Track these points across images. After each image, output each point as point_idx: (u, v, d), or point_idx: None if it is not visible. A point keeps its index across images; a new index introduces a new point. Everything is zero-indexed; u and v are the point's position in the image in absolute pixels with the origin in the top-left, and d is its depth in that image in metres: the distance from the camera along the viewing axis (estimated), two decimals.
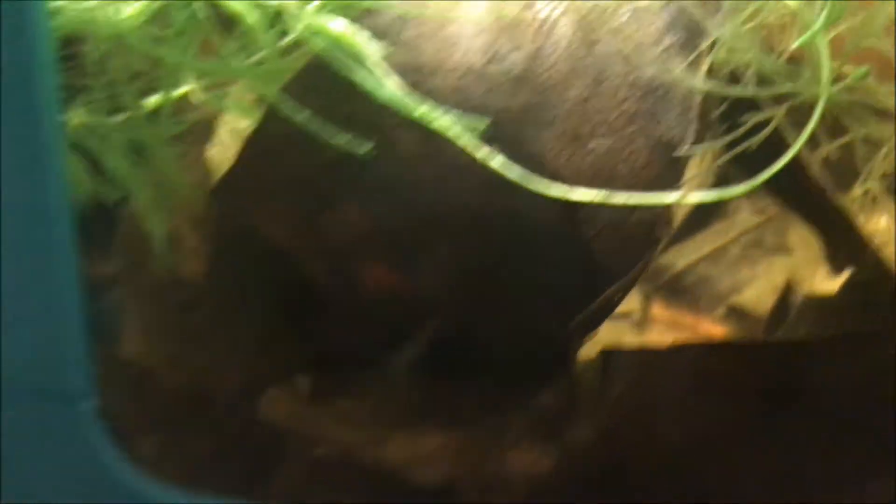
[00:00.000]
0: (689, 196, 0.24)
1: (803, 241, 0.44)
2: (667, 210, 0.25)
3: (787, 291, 0.38)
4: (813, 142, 0.27)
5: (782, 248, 0.43)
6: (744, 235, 0.42)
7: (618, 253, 0.26)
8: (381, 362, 0.35)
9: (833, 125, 0.27)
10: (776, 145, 0.28)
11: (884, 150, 0.29)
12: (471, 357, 0.32)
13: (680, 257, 0.43)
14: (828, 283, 0.35)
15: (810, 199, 0.29)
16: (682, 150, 0.25)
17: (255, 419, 0.34)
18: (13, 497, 0.31)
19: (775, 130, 0.27)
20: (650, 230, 0.26)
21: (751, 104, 0.26)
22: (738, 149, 0.24)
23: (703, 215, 0.44)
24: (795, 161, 0.29)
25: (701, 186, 0.25)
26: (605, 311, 0.28)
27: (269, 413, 0.34)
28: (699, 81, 0.25)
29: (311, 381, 0.35)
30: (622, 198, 0.25)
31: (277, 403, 0.34)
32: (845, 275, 0.33)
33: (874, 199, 0.32)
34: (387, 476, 0.32)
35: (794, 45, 0.23)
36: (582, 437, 0.29)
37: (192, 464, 0.35)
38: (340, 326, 0.34)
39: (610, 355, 0.27)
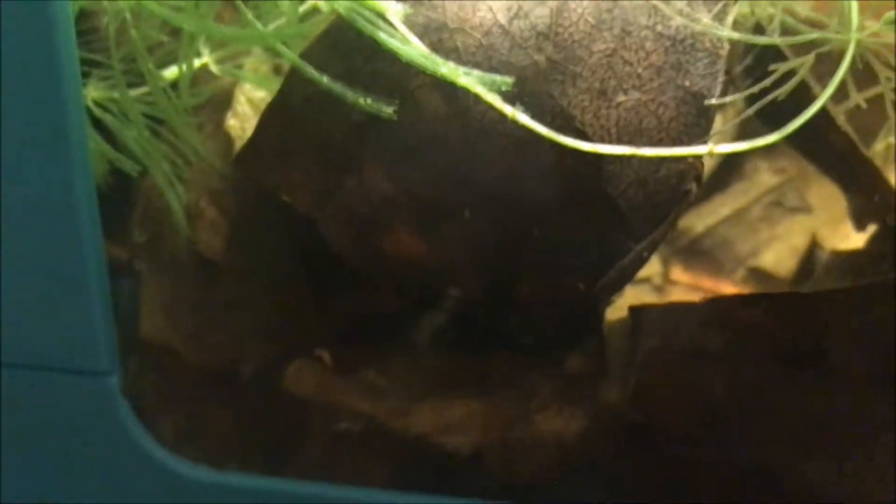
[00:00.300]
0: (717, 148, 0.24)
1: (824, 199, 0.44)
2: (696, 163, 0.25)
3: (810, 252, 0.38)
4: (840, 93, 0.27)
5: (803, 208, 0.43)
6: (764, 196, 0.42)
7: (645, 209, 0.26)
8: (407, 331, 0.35)
9: (861, 76, 0.27)
10: (803, 97, 0.28)
11: None
12: (497, 322, 0.32)
13: (699, 220, 0.43)
14: (851, 239, 0.35)
15: (837, 153, 0.29)
16: (711, 102, 0.25)
17: (280, 393, 0.34)
18: (47, 468, 0.31)
19: (801, 82, 0.27)
20: (679, 184, 0.26)
21: (778, 54, 0.26)
22: (767, 99, 0.24)
23: (723, 176, 0.44)
24: (822, 113, 0.29)
25: (728, 140, 0.25)
26: (633, 268, 0.28)
27: (294, 386, 0.34)
28: (726, 31, 0.25)
29: (337, 352, 0.35)
30: (650, 152, 0.25)
31: (303, 376, 0.34)
32: (871, 231, 0.33)
33: None
34: (414, 445, 0.32)
35: None
36: (612, 398, 0.29)
37: (215, 440, 0.35)
38: (366, 296, 0.33)
39: (640, 313, 0.27)
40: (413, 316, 0.34)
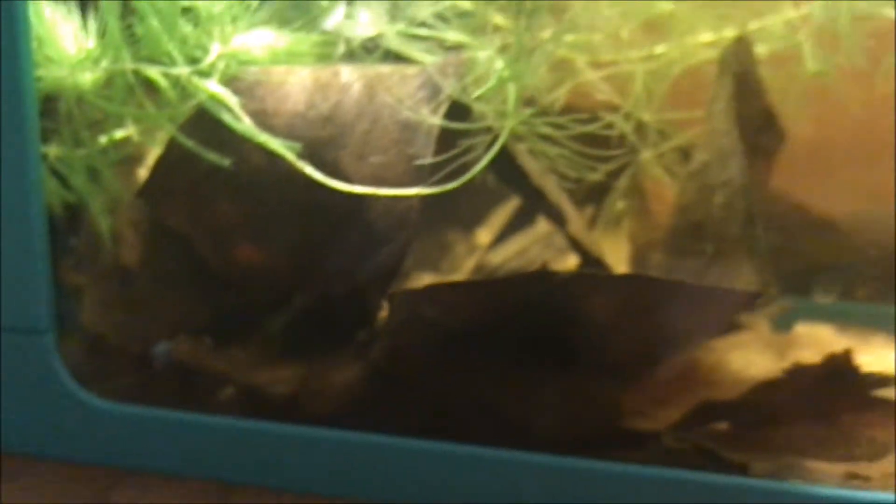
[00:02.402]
0: (422, 191, 0.38)
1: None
2: (416, 201, 0.39)
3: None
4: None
5: (566, 248, 0.57)
6: (542, 239, 0.56)
7: (391, 229, 0.40)
8: (262, 318, 0.48)
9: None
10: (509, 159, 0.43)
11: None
12: (315, 308, 0.46)
13: (496, 256, 0.58)
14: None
15: (536, 194, 0.43)
16: (424, 162, 0.39)
17: (172, 359, 0.48)
18: None
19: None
20: (408, 213, 0.40)
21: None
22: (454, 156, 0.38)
23: (517, 224, 0.59)
24: (524, 169, 0.43)
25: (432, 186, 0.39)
26: (391, 270, 0.42)
27: (179, 356, 0.48)
28: (437, 120, 0.39)
29: (212, 333, 0.49)
30: (388, 192, 0.39)
31: (186, 349, 0.47)
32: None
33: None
34: (254, 393, 0.45)
35: (479, 92, 0.38)
36: (377, 358, 0.42)
37: (130, 390, 0.48)
38: (228, 292, 0.47)
39: (393, 295, 0.41)
40: (265, 307, 0.48)
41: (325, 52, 0.47)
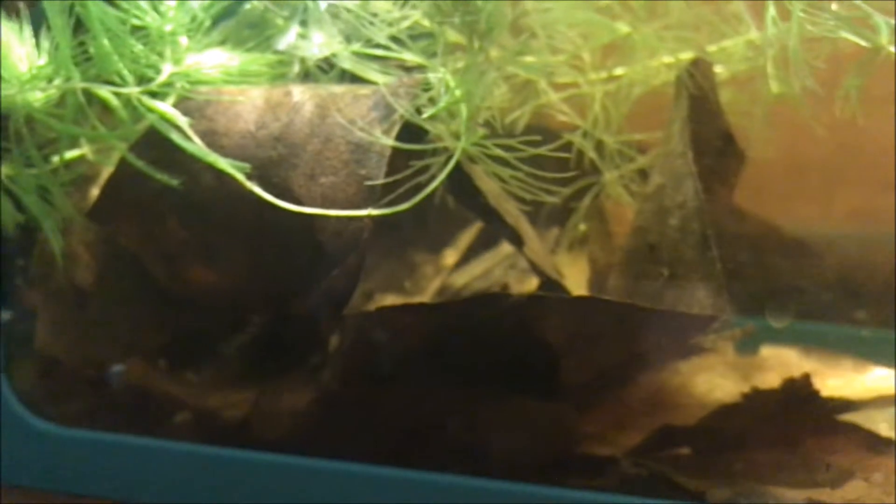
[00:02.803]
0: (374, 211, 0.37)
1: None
2: (367, 221, 0.39)
3: None
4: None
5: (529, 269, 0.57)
6: (504, 260, 0.56)
7: (342, 251, 0.39)
8: (217, 342, 0.48)
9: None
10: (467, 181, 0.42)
11: None
12: (268, 330, 0.45)
13: (459, 278, 0.57)
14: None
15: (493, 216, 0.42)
16: (376, 183, 0.38)
17: (124, 382, 0.47)
18: None
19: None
20: (359, 234, 0.39)
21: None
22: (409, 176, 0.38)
23: (480, 247, 0.58)
24: (481, 191, 0.43)
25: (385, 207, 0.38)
26: (343, 292, 0.41)
27: (131, 378, 0.47)
28: (388, 140, 0.39)
29: (167, 356, 0.48)
30: (339, 213, 0.39)
31: (139, 372, 0.47)
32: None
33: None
34: (207, 417, 0.44)
35: (430, 113, 0.37)
36: (329, 382, 0.42)
37: (83, 414, 0.47)
38: (181, 314, 0.46)
39: (344, 318, 0.40)
40: (220, 329, 0.47)
41: (280, 72, 0.46)
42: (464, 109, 0.40)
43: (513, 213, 0.47)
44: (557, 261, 0.54)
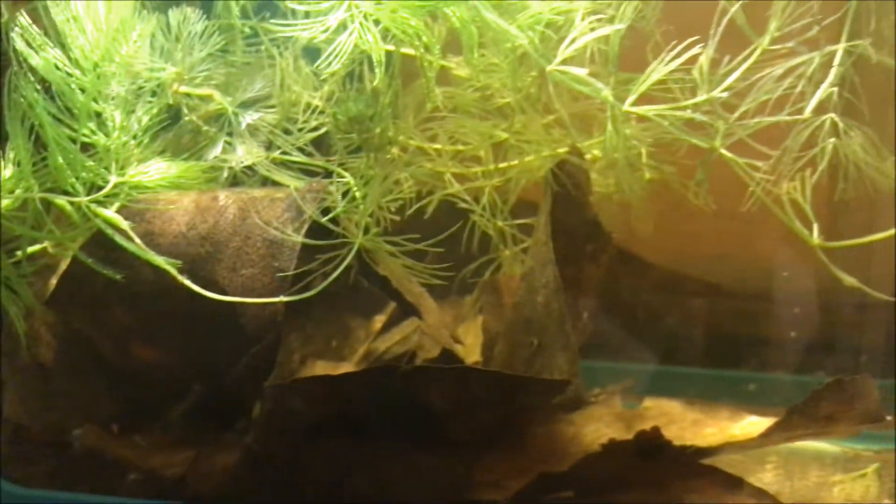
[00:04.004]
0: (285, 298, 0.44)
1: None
2: (280, 306, 0.46)
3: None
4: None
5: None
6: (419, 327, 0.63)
7: (260, 331, 0.46)
8: (160, 410, 0.54)
9: None
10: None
11: None
12: (203, 400, 0.52)
13: (382, 343, 0.64)
14: None
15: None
16: (287, 274, 0.46)
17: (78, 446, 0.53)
18: None
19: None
20: (274, 315, 0.46)
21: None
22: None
23: (397, 317, 0.65)
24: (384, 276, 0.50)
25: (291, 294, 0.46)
26: (263, 366, 0.48)
27: (87, 443, 0.53)
28: (298, 238, 0.46)
29: (120, 423, 0.55)
30: (256, 301, 0.46)
31: (92, 437, 0.53)
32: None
33: None
34: (149, 475, 0.51)
35: (330, 216, 0.45)
36: (252, 444, 0.48)
37: (44, 475, 0.54)
38: (128, 387, 0.53)
39: (264, 389, 0.47)
40: (162, 399, 0.54)
41: (213, 177, 0.54)
42: (362, 210, 0.48)
43: (414, 291, 0.54)
44: (461, 329, 0.62)
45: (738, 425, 0.61)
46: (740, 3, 0.43)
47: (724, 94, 0.43)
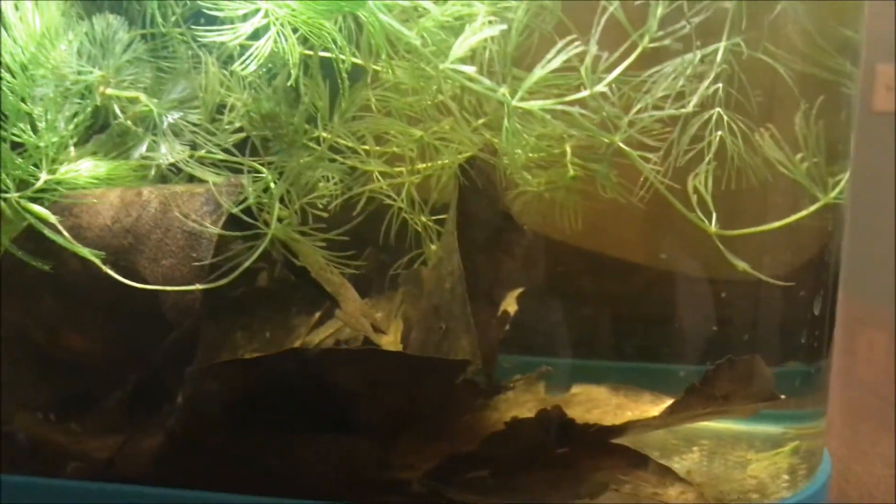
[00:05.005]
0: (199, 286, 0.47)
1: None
2: (197, 294, 0.48)
3: None
4: None
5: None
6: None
7: (179, 318, 0.49)
8: (93, 397, 0.57)
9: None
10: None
11: None
12: (132, 386, 0.55)
13: (316, 336, 0.66)
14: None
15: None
16: (205, 263, 0.48)
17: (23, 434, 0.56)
18: None
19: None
20: (193, 304, 0.49)
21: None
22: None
23: (329, 311, 0.68)
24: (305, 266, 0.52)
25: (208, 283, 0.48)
26: (183, 351, 0.50)
27: (25, 430, 0.56)
28: (215, 230, 0.49)
29: (56, 409, 0.57)
30: (177, 289, 0.48)
31: (28, 423, 0.56)
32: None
33: None
34: (82, 458, 0.53)
35: (239, 208, 0.47)
36: (174, 427, 0.51)
37: None
38: (63, 374, 0.56)
39: (184, 372, 0.49)
40: (94, 386, 0.56)
41: (142, 175, 0.56)
42: (276, 203, 0.51)
43: (334, 281, 0.56)
44: (388, 319, 0.64)
45: (657, 409, 0.64)
46: (619, 1, 0.45)
47: (604, 90, 0.46)
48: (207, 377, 0.50)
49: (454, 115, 0.59)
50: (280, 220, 0.51)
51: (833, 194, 0.60)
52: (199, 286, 0.49)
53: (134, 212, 0.53)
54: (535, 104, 0.46)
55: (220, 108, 0.58)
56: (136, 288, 0.51)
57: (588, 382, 0.68)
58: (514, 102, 0.47)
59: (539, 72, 0.45)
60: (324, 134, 0.55)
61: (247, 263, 0.50)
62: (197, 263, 0.51)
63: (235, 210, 0.50)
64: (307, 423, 0.51)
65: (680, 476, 0.56)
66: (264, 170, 0.54)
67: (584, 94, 0.46)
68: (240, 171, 0.56)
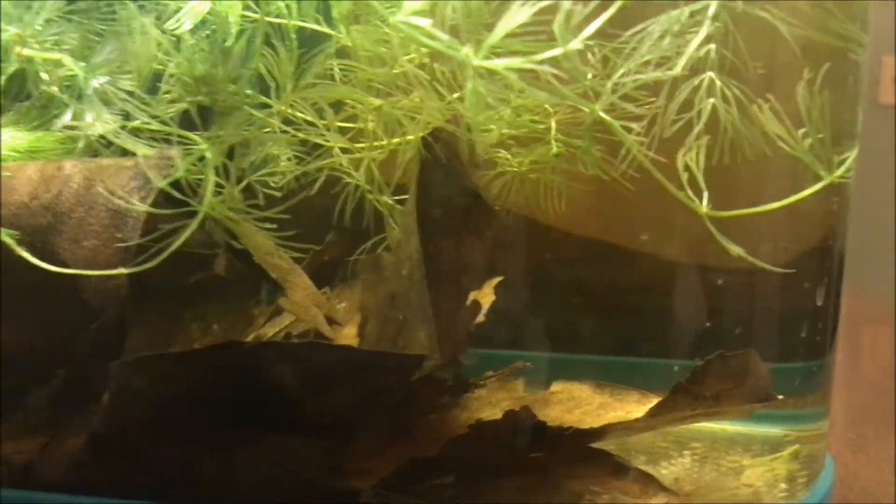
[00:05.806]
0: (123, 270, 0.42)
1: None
2: (123, 279, 0.43)
3: None
4: None
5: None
6: None
7: (102, 305, 0.44)
8: (16, 394, 0.52)
9: None
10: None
11: None
12: (55, 382, 0.50)
13: (271, 329, 0.61)
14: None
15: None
16: (131, 243, 0.43)
17: None
18: None
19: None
20: (118, 288, 0.44)
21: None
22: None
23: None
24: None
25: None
26: (107, 343, 0.45)
27: None
28: (143, 207, 0.44)
29: None
30: (97, 273, 0.43)
31: None
32: None
33: None
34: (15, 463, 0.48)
35: (168, 181, 0.42)
36: (97, 427, 0.46)
37: None
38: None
39: (110, 368, 0.44)
40: (18, 382, 0.51)
41: (70, 148, 0.51)
42: (210, 177, 0.46)
43: (282, 267, 0.51)
44: (349, 310, 0.59)
45: (643, 409, 0.59)
46: None
47: (580, 46, 0.41)
48: (135, 372, 0.45)
49: (423, 85, 0.55)
50: (219, 197, 0.46)
51: (839, 173, 0.55)
52: (123, 270, 0.44)
53: (54, 188, 0.47)
54: (500, 63, 0.41)
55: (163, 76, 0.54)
56: (56, 272, 0.46)
57: (572, 379, 0.64)
58: (477, 62, 0.42)
59: (505, 25, 0.40)
60: (271, 101, 0.50)
61: (176, 244, 0.45)
62: (122, 244, 0.46)
63: (165, 185, 0.45)
64: (247, 423, 0.46)
65: (664, 485, 0.51)
66: (199, 140, 0.49)
67: (556, 51, 0.41)
68: (180, 145, 0.51)
